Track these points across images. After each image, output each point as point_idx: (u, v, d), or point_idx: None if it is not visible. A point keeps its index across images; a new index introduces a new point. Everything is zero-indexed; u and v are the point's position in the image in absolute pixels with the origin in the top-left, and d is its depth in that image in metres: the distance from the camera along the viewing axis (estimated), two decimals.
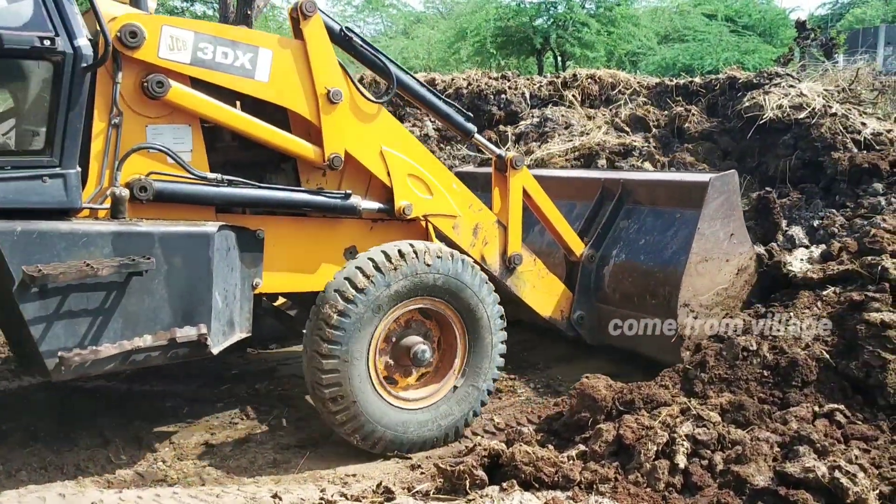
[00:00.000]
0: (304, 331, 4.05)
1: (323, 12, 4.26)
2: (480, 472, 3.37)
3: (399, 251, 4.05)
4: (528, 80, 9.67)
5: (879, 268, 4.50)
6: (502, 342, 4.44)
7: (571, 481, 3.29)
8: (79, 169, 3.50)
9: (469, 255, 4.53)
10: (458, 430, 4.37)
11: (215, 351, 3.72)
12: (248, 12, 12.87)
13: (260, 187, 4.15)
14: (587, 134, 7.93)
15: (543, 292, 5.17)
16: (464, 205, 4.80)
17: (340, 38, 4.36)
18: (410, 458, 4.18)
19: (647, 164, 7.18)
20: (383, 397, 4.11)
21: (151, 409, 4.82)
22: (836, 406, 3.82)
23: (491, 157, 5.03)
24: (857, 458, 3.36)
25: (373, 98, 4.44)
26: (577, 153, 7.63)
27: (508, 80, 9.58)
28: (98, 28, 3.48)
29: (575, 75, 9.43)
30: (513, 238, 4.95)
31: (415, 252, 4.07)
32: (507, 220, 4.92)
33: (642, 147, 7.54)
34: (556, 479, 3.31)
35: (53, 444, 4.20)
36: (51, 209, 3.43)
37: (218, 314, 3.74)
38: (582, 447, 3.68)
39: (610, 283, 5.19)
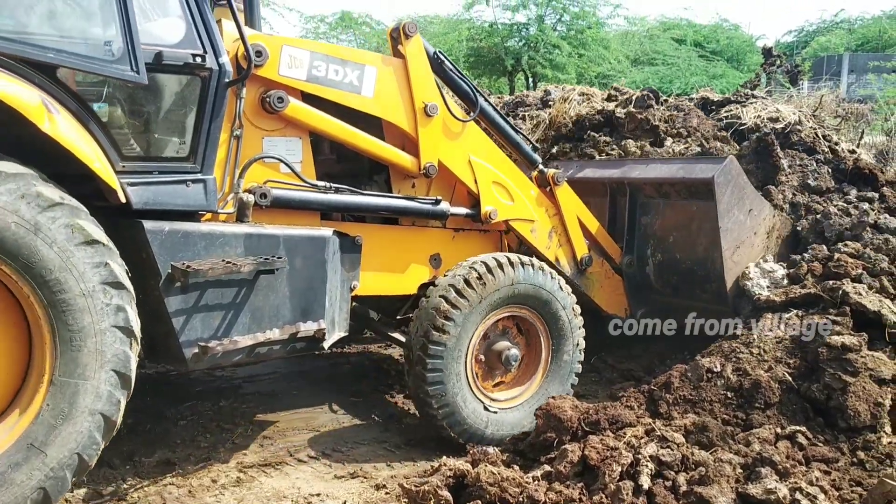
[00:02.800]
0: (405, 335, 4.54)
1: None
2: (445, 493, 3.36)
3: (497, 261, 4.44)
4: (498, 98, 9.73)
5: (841, 292, 4.57)
6: (579, 323, 4.78)
7: (536, 502, 3.29)
8: (213, 175, 3.84)
9: (545, 256, 5.16)
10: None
11: (326, 346, 4.12)
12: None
13: (362, 194, 4.51)
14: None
15: (609, 291, 5.59)
16: (540, 211, 5.21)
17: (433, 61, 4.72)
18: (375, 478, 4.15)
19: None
20: (478, 397, 4.47)
21: None
22: (797, 428, 3.86)
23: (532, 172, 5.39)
24: (817, 479, 3.40)
25: (460, 117, 4.82)
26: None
27: None
28: (243, 46, 3.86)
29: (547, 91, 9.50)
30: (577, 243, 5.38)
31: (510, 262, 4.47)
32: (567, 228, 5.33)
33: None
34: (521, 499, 3.31)
35: None
36: (188, 211, 3.77)
37: (325, 311, 4.08)
38: (547, 468, 3.68)
39: (658, 281, 5.49)
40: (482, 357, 4.58)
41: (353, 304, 5.11)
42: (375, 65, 4.45)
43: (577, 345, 4.80)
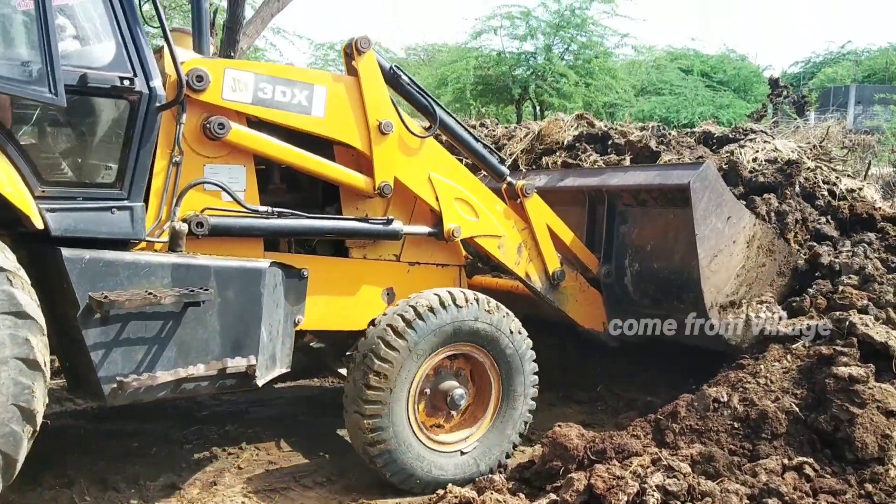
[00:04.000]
0: (346, 374, 4.29)
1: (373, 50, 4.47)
2: None
3: (439, 298, 4.25)
4: (505, 128, 9.78)
5: (847, 323, 4.57)
6: (532, 359, 4.59)
7: None
8: (142, 203, 3.72)
9: (515, 272, 5.05)
10: (492, 469, 4.47)
11: (260, 383, 3.88)
12: (231, 54, 12.93)
13: (307, 217, 4.35)
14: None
15: (585, 305, 5.40)
16: (507, 225, 5.05)
17: (389, 76, 4.58)
18: None
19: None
20: (421, 440, 4.29)
21: (119, 448, 4.75)
22: (805, 459, 3.85)
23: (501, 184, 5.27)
24: None
25: (417, 133, 4.67)
26: None
27: (486, 128, 9.69)
28: (174, 70, 3.73)
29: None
30: (549, 257, 5.18)
31: (453, 299, 4.27)
32: (537, 242, 5.15)
33: None
34: None
35: (16, 484, 4.09)
36: (115, 239, 3.63)
37: (263, 348, 3.90)
38: (553, 496, 3.67)
39: (636, 292, 5.30)
40: (427, 397, 4.39)
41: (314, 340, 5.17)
42: (325, 84, 4.32)
43: (529, 387, 4.58)
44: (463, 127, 5.08)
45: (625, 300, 5.37)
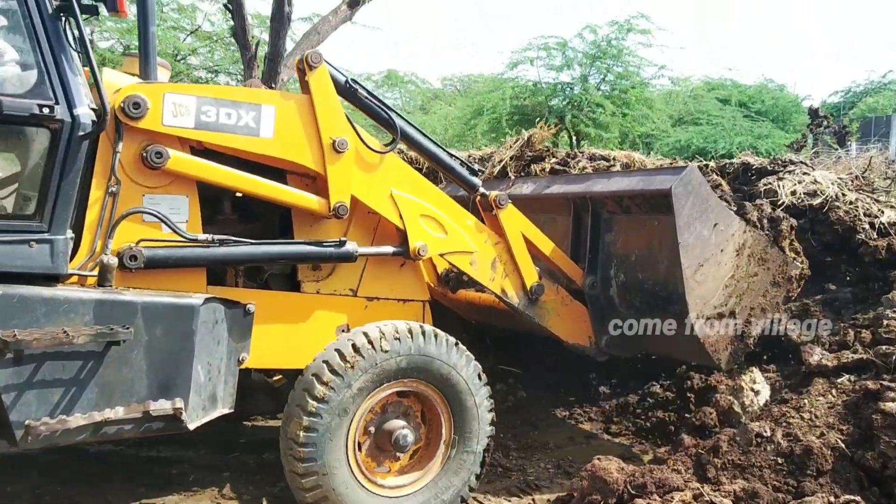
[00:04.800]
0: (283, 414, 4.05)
1: (329, 64, 4.30)
2: None
3: (380, 331, 4.04)
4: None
5: (894, 357, 4.47)
6: (488, 398, 4.39)
7: None
8: (69, 235, 3.56)
9: (489, 289, 4.83)
10: (462, 499, 4.34)
11: (191, 426, 3.65)
12: (272, 86, 13.14)
13: (251, 244, 4.10)
14: None
15: (568, 320, 5.18)
16: (479, 240, 4.82)
17: (346, 90, 4.40)
18: None
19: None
20: (363, 483, 4.05)
21: (158, 475, 4.80)
22: (852, 497, 3.75)
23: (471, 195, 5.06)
24: None
25: (376, 149, 4.44)
26: None
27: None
28: (98, 98, 3.58)
29: (592, 156, 9.55)
30: (526, 271, 4.96)
31: (370, 342, 4.01)
32: (513, 256, 4.93)
33: None
34: None
35: None
36: (34, 274, 3.45)
37: (199, 388, 3.70)
38: None
39: (622, 304, 5.08)
40: (371, 438, 4.16)
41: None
42: (273, 103, 4.13)
43: (485, 430, 4.34)
44: (430, 139, 4.86)
45: (611, 312, 5.14)
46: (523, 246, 4.97)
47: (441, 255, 4.71)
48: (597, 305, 5.19)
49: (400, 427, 4.14)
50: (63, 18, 3.52)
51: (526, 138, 6.91)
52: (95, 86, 3.54)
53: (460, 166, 4.97)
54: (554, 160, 6.80)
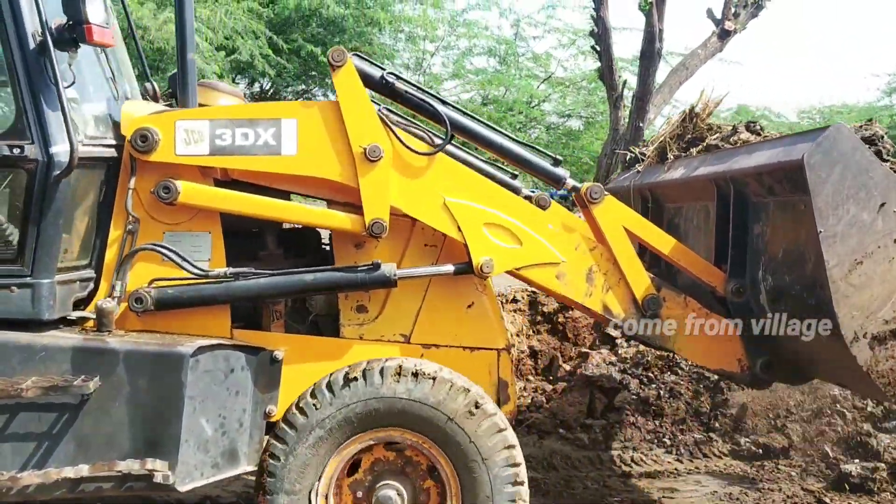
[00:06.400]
0: None
1: (362, 56, 3.84)
2: None
3: (343, 376, 3.43)
4: None
5: None
6: (511, 466, 3.48)
7: None
8: (55, 279, 3.42)
9: (587, 307, 3.93)
10: None
11: (183, 488, 3.33)
12: (640, 125, 12.68)
13: (271, 275, 3.64)
14: None
15: (704, 339, 4.03)
16: (567, 247, 3.89)
17: (382, 86, 3.83)
18: None
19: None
20: None
21: None
22: None
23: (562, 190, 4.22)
24: None
25: (419, 150, 3.77)
26: None
27: None
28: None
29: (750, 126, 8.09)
30: (635, 280, 3.93)
31: (366, 371, 3.44)
32: (617, 262, 3.95)
33: None
34: None
35: None
36: (14, 320, 3.36)
37: (202, 444, 3.41)
38: None
39: (774, 317, 3.82)
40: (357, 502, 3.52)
41: None
42: (294, 115, 3.67)
43: (504, 492, 3.43)
44: (495, 129, 4.11)
45: (763, 326, 3.89)
46: (630, 248, 3.97)
47: (517, 271, 3.86)
48: (746, 317, 3.95)
49: (386, 488, 3.46)
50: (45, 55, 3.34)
51: (688, 111, 5.31)
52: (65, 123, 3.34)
53: (539, 157, 4.13)
54: (717, 135, 5.43)
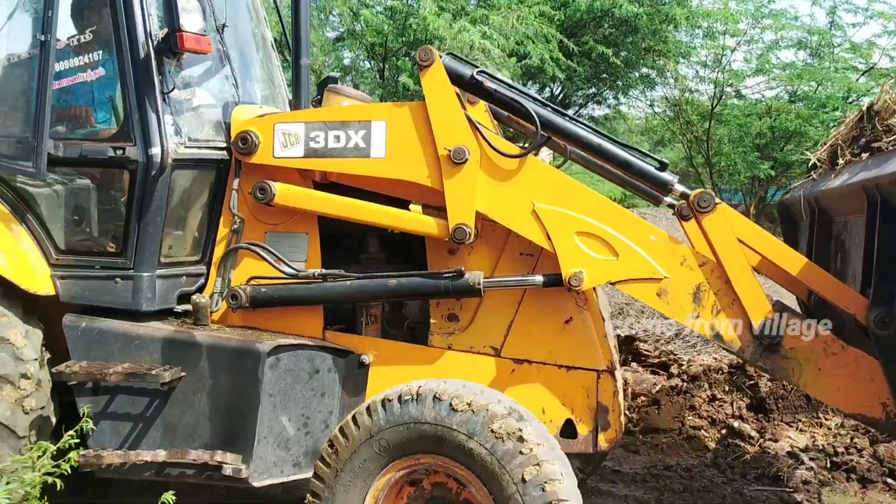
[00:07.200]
0: None
1: (454, 55, 3.77)
2: None
3: (383, 399, 3.18)
4: None
5: None
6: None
7: None
8: (155, 273, 3.65)
9: (694, 331, 3.73)
10: None
11: (258, 483, 3.43)
12: None
13: (357, 278, 3.68)
14: None
15: (839, 376, 3.46)
16: (671, 262, 3.53)
17: (471, 86, 3.71)
18: None
19: None
20: None
21: None
22: None
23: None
24: None
25: (507, 153, 3.61)
26: None
27: None
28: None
29: None
30: (752, 303, 3.46)
31: (400, 398, 3.16)
32: (731, 280, 3.49)
33: None
34: None
35: None
36: (118, 309, 3.63)
37: (282, 442, 3.52)
38: None
39: None
40: None
41: None
42: (384, 117, 3.64)
43: None
44: (592, 129, 3.80)
45: None
46: (745, 264, 3.52)
47: (612, 285, 3.60)
48: (887, 353, 3.25)
49: None
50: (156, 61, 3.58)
51: (865, 110, 4.51)
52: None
53: (639, 158, 3.74)
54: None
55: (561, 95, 16.54)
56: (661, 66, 16.21)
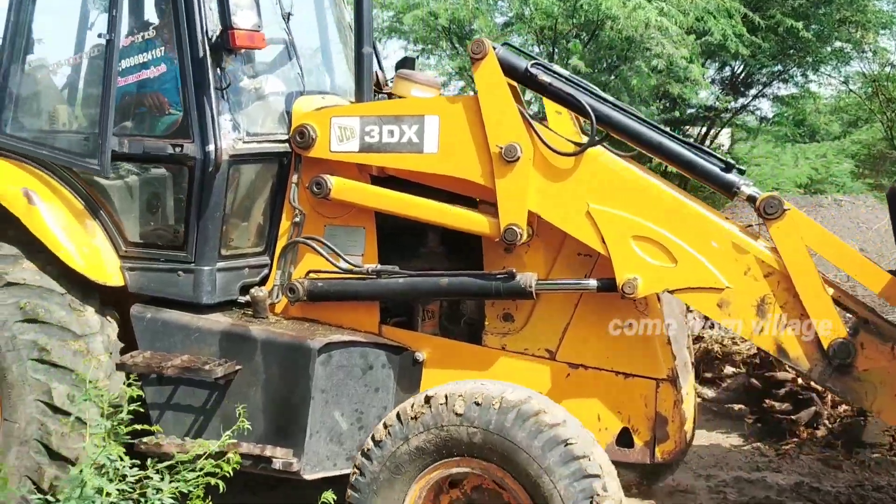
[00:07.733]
0: None
1: (510, 45, 3.69)
2: None
3: (425, 397, 3.17)
4: None
5: None
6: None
7: None
8: (215, 267, 3.71)
9: (757, 346, 3.53)
10: None
11: (309, 476, 3.47)
12: None
13: (409, 275, 3.63)
14: None
15: None
16: (734, 271, 3.31)
17: (526, 79, 3.58)
18: None
19: None
20: None
21: None
22: None
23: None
24: None
25: (561, 151, 3.47)
26: None
27: None
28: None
29: None
30: (819, 316, 3.24)
31: (445, 400, 3.12)
32: (798, 293, 3.26)
33: None
34: None
35: None
36: (183, 302, 3.72)
37: (336, 436, 3.56)
38: None
39: None
40: None
41: None
42: (438, 111, 3.56)
43: None
44: (654, 126, 3.57)
45: None
46: (815, 275, 3.27)
47: (670, 294, 3.46)
48: None
49: None
50: (213, 60, 3.61)
51: None
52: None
53: (706, 159, 3.49)
54: None
55: (743, 74, 15.36)
56: (858, 39, 14.63)
